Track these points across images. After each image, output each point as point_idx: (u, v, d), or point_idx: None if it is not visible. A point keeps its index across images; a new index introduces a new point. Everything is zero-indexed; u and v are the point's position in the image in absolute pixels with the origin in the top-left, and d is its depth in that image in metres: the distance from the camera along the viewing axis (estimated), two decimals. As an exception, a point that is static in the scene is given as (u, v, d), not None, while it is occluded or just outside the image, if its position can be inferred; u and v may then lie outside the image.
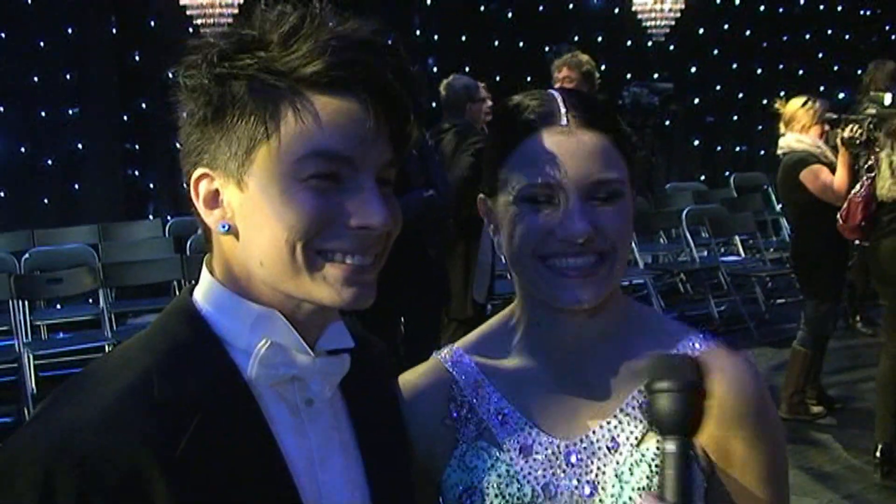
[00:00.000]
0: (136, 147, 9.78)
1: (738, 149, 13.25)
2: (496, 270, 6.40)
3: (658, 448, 1.32)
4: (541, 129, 1.34)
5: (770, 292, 9.25)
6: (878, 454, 5.23)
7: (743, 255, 9.64)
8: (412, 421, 1.42)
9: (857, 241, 5.54)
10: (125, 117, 9.66)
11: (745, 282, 9.08)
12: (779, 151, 6.05)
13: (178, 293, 4.88)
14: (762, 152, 13.24)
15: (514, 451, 1.38)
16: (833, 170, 5.77)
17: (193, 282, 1.24)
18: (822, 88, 12.58)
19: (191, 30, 8.85)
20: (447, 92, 6.26)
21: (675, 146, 12.12)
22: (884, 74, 7.45)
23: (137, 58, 9.55)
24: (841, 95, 6.56)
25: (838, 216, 5.42)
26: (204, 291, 1.21)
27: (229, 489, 1.11)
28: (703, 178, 12.33)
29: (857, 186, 5.35)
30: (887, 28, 13.70)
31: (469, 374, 1.46)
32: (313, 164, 1.11)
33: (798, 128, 5.94)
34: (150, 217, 9.76)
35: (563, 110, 1.34)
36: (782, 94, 6.64)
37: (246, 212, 1.14)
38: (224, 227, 1.16)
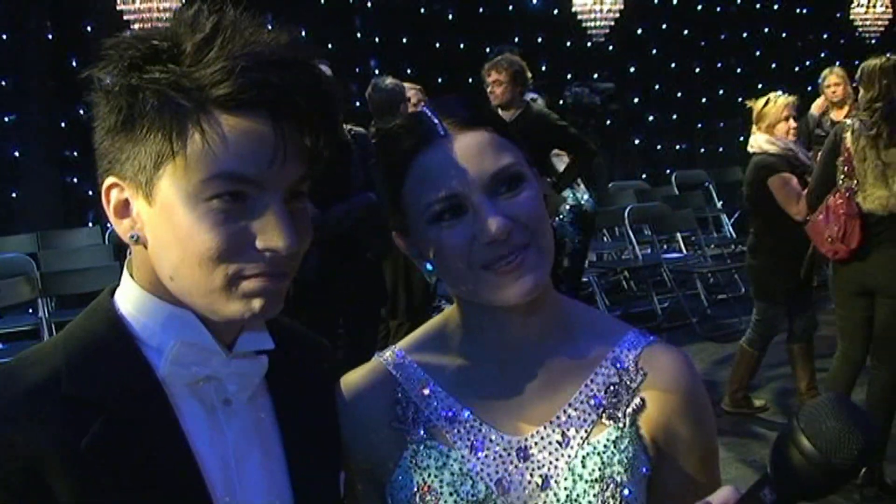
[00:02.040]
0: (75, 153, 9.61)
1: (678, 147, 13.37)
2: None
3: (608, 440, 1.37)
4: (423, 149, 1.33)
5: (711, 288, 9.34)
6: (860, 475, 4.97)
7: (685, 251, 9.72)
8: (356, 423, 1.42)
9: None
10: (63, 124, 9.48)
11: (687, 278, 9.16)
12: (749, 149, 5.92)
13: None
14: (702, 150, 13.40)
15: (465, 449, 1.39)
16: (802, 172, 5.66)
17: (114, 284, 1.24)
18: (759, 86, 12.73)
19: (127, 34, 8.72)
20: (375, 94, 6.19)
21: (616, 145, 12.18)
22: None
23: (74, 63, 9.38)
24: (779, 92, 6.57)
25: (825, 238, 5.06)
26: (123, 292, 1.22)
27: (137, 484, 1.11)
28: (644, 176, 12.41)
29: (837, 202, 5.02)
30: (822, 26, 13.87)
31: (413, 375, 1.45)
32: (219, 185, 1.10)
33: (765, 126, 5.81)
34: (90, 224, 9.58)
35: (436, 122, 1.34)
36: (720, 91, 6.65)
37: (154, 226, 1.14)
38: (133, 237, 1.16)
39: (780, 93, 5.96)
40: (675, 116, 13.28)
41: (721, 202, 11.24)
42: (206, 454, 1.18)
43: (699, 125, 13.44)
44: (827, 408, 0.97)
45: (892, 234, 4.90)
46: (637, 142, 12.98)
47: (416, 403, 1.43)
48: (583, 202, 7.29)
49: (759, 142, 5.85)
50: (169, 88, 1.08)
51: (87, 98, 1.17)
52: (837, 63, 8.42)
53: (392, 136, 1.37)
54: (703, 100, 13.43)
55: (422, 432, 1.41)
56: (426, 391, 1.44)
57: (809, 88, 9.70)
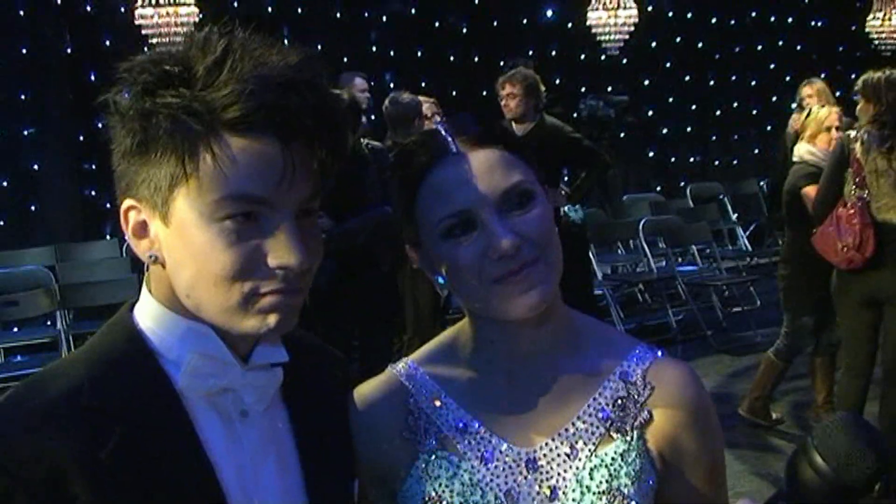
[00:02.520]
0: (93, 167, 9.66)
1: (692, 159, 13.34)
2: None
3: (616, 453, 1.40)
4: (435, 165, 1.37)
5: (726, 301, 9.31)
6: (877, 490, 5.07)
7: (700, 264, 9.69)
8: (369, 433, 1.44)
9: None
10: (81, 137, 9.54)
11: (701, 291, 9.13)
12: (794, 157, 5.90)
13: None
14: (716, 162, 13.36)
15: (475, 459, 1.42)
16: None
17: (134, 299, 1.27)
18: (773, 99, 12.74)
19: (146, 48, 8.77)
20: (392, 108, 6.21)
21: (630, 157, 12.17)
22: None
23: (93, 77, 9.44)
24: (793, 105, 6.58)
25: (838, 248, 5.07)
26: (141, 307, 1.25)
27: (155, 493, 1.14)
28: (658, 188, 12.40)
29: (849, 212, 5.03)
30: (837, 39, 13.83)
31: (425, 386, 1.48)
32: (230, 206, 1.13)
33: (807, 137, 5.79)
34: (108, 237, 9.63)
35: (448, 139, 1.38)
36: (734, 103, 6.65)
37: (170, 246, 1.17)
38: (152, 256, 1.19)
39: (823, 104, 6.05)
40: (689, 129, 13.26)
41: (736, 215, 11.22)
42: (223, 463, 1.21)
43: (713, 137, 13.42)
44: (841, 427, 0.99)
45: None
46: (651, 154, 12.97)
47: (427, 414, 1.46)
48: (570, 214, 7.15)
49: (800, 151, 5.85)
50: (180, 112, 1.11)
51: (105, 117, 1.19)
52: (853, 76, 8.37)
53: (407, 152, 1.41)
54: (718, 112, 13.41)
55: (433, 443, 1.44)
56: (437, 402, 1.46)
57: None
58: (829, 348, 6.06)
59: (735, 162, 13.31)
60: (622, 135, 11.03)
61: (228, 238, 1.13)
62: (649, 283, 9.36)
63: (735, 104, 13.40)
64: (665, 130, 13.04)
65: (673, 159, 13.15)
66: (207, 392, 1.22)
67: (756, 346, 7.82)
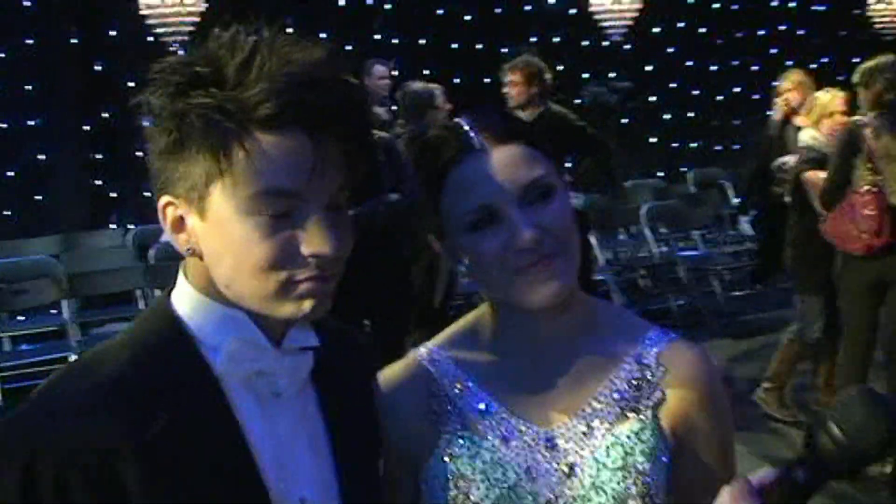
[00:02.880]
0: (100, 156, 9.70)
1: (694, 144, 13.33)
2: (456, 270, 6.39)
3: (631, 431, 1.46)
4: (460, 161, 1.42)
5: (727, 285, 9.33)
6: (888, 470, 5.02)
7: (702, 249, 9.71)
8: (393, 415, 1.50)
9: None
10: (88, 127, 9.58)
11: (703, 276, 9.16)
12: (799, 143, 5.92)
13: (140, 302, 4.93)
14: (718, 147, 13.35)
15: (496, 439, 1.48)
16: None
17: (171, 287, 1.32)
18: (775, 84, 12.73)
19: (151, 38, 8.80)
20: (406, 96, 6.24)
21: (633, 143, 12.17)
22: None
23: (100, 67, 9.47)
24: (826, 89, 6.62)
25: (854, 234, 5.10)
26: (179, 295, 1.30)
27: (197, 473, 1.20)
28: (661, 174, 12.40)
29: (864, 199, 5.04)
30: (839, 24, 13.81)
31: (447, 370, 1.54)
32: (265, 201, 1.17)
33: (812, 121, 5.82)
34: (114, 226, 9.67)
35: (472, 135, 1.43)
36: (736, 88, 6.65)
37: (208, 239, 1.22)
38: (190, 250, 1.25)
39: (827, 89, 5.97)
40: (691, 114, 13.25)
41: (737, 199, 11.23)
42: (260, 444, 1.26)
43: (715, 123, 13.40)
44: (856, 397, 1.05)
45: None
46: (654, 140, 12.96)
47: (450, 397, 1.52)
48: (573, 201, 7.19)
49: (803, 137, 5.89)
50: (213, 112, 1.15)
51: (139, 117, 1.23)
52: (857, 60, 8.33)
53: (431, 146, 1.47)
54: (720, 97, 13.39)
55: (456, 424, 1.50)
56: (459, 385, 1.53)
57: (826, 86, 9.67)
58: (830, 331, 6.02)
59: (737, 147, 13.30)
60: (625, 121, 11.03)
61: (264, 231, 1.18)
62: (651, 269, 9.38)
63: (737, 89, 13.38)
64: (667, 116, 13.03)
65: (675, 145, 13.14)
66: (244, 375, 1.27)
67: (757, 330, 7.87)
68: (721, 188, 11.08)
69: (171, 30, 7.99)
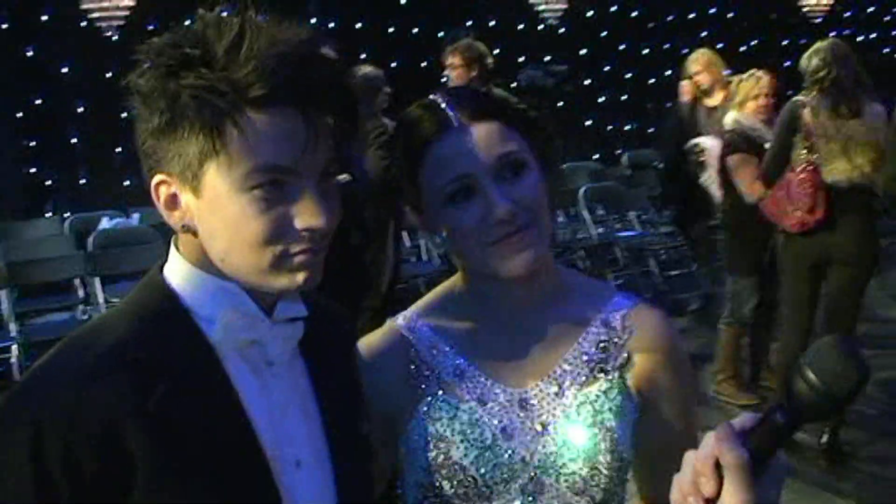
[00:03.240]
0: (33, 143, 9.54)
1: (629, 127, 13.48)
2: (401, 255, 6.43)
3: (600, 390, 1.55)
4: (439, 136, 1.50)
5: (664, 264, 9.47)
6: (823, 440, 5.24)
7: (638, 230, 9.82)
8: (375, 382, 1.56)
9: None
10: (20, 114, 9.40)
11: (640, 256, 9.28)
12: (724, 126, 5.99)
13: (80, 290, 4.86)
14: (651, 129, 13.51)
15: (473, 401, 1.56)
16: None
17: (162, 260, 1.35)
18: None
19: (84, 23, 8.66)
20: (358, 80, 6.22)
21: (569, 126, 12.27)
22: None
23: (32, 52, 9.29)
24: (726, 72, 6.69)
25: (789, 211, 5.20)
26: (172, 268, 1.33)
27: (199, 439, 1.24)
28: (597, 156, 12.52)
29: (799, 176, 5.16)
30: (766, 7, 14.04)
31: (425, 336, 1.61)
32: (259, 176, 1.21)
33: (736, 104, 5.91)
34: (49, 214, 9.53)
35: (451, 113, 1.50)
36: (668, 71, 6.71)
37: (203, 216, 1.25)
38: (185, 226, 1.28)
39: (752, 71, 5.97)
40: (625, 97, 13.39)
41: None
42: (255, 411, 1.30)
43: (649, 105, 13.56)
44: (828, 346, 1.11)
45: (855, 205, 5.08)
46: (589, 123, 13.09)
47: (428, 362, 1.59)
48: None
49: (728, 119, 5.95)
50: (206, 92, 1.18)
51: (128, 99, 1.25)
52: (786, 42, 8.43)
53: (410, 123, 1.54)
54: (652, 80, 13.54)
55: (434, 387, 1.57)
56: (436, 351, 1.60)
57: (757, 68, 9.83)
58: (761, 309, 6.13)
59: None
60: (561, 104, 11.11)
61: (258, 206, 1.22)
62: (589, 250, 9.48)
63: (668, 72, 13.53)
64: (602, 99, 13.17)
65: (610, 127, 13.28)
66: (239, 345, 1.31)
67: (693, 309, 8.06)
68: (656, 169, 11.22)
69: (106, 14, 7.85)
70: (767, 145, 5.63)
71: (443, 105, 1.51)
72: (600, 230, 9.48)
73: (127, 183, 10.06)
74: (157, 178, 1.26)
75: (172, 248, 1.34)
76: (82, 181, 9.96)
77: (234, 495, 1.26)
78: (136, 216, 8.58)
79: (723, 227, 6.28)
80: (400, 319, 1.66)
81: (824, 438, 5.23)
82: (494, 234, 1.48)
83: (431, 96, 1.55)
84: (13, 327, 6.92)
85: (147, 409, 1.20)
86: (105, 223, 8.18)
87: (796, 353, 5.18)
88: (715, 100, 7.19)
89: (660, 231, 9.76)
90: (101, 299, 7.20)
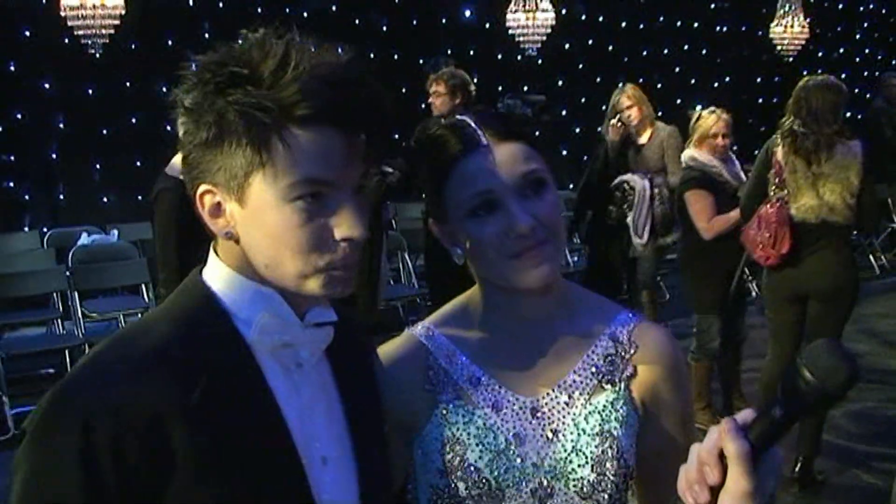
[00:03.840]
0: (11, 158, 9.51)
1: (603, 157, 13.57)
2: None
3: (607, 401, 1.63)
4: (466, 153, 1.57)
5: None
6: (796, 469, 5.30)
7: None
8: (392, 387, 1.62)
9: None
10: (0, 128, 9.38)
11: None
12: (680, 162, 6.06)
13: (59, 305, 4.90)
14: (625, 160, 13.65)
15: (487, 407, 1.63)
16: (725, 189, 5.85)
17: (203, 265, 1.42)
18: (678, 101, 13.09)
19: (67, 39, 8.66)
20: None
21: (545, 155, 12.35)
22: None
23: (12, 67, 9.29)
24: (698, 107, 6.76)
25: (757, 244, 5.28)
26: (212, 273, 1.40)
27: (234, 433, 1.30)
28: (571, 186, 12.61)
29: (768, 211, 5.25)
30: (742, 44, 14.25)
31: (441, 345, 1.69)
32: (302, 188, 1.28)
33: (694, 140, 5.99)
34: (27, 229, 9.49)
35: (479, 132, 1.58)
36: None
37: (247, 225, 1.33)
38: (228, 234, 1.35)
39: (712, 109, 6.07)
40: (600, 128, 13.47)
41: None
42: (287, 409, 1.37)
43: (622, 137, 13.68)
44: (823, 347, 1.21)
45: (824, 240, 5.16)
46: (564, 152, 13.20)
47: (444, 369, 1.66)
48: None
49: (685, 156, 6.02)
50: (253, 109, 1.26)
51: (174, 113, 1.32)
52: (759, 79, 8.51)
53: (438, 140, 1.61)
54: (627, 113, 13.66)
55: (450, 394, 1.64)
56: (453, 359, 1.67)
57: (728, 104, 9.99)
58: (733, 344, 6.20)
59: (643, 161, 13.60)
60: (537, 133, 11.18)
61: (301, 216, 1.29)
62: (568, 277, 9.49)
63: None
64: (577, 129, 13.29)
65: (585, 157, 13.38)
66: (272, 347, 1.37)
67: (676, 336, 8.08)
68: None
69: (91, 31, 7.86)
70: (725, 181, 5.78)
71: (471, 124, 1.59)
72: (575, 259, 9.57)
73: (105, 199, 10.08)
74: (203, 188, 1.33)
75: (212, 253, 1.41)
76: (60, 197, 9.95)
77: (267, 490, 1.32)
78: (114, 232, 8.60)
79: (682, 265, 6.31)
80: (418, 328, 1.73)
81: (798, 467, 5.31)
82: (514, 248, 1.56)
83: (459, 116, 1.63)
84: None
85: (189, 405, 1.27)
86: (84, 239, 8.19)
87: (775, 383, 5.33)
88: (643, 137, 7.22)
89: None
90: (79, 314, 7.19)
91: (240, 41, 1.31)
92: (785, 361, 5.36)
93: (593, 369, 1.66)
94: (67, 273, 7.35)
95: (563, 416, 1.63)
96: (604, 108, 13.14)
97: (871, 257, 11.11)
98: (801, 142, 5.08)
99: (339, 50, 1.35)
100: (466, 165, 1.56)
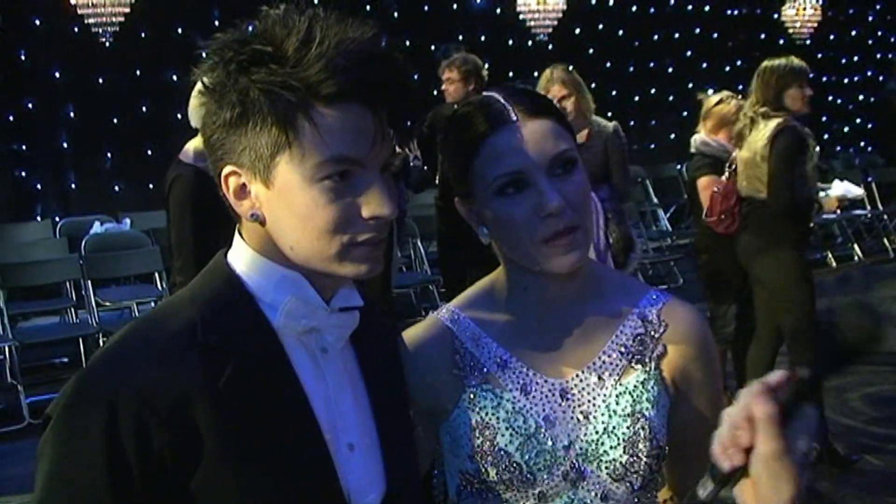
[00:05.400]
0: (23, 147, 9.51)
1: (613, 144, 13.53)
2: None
3: (637, 381, 1.59)
4: (495, 130, 1.53)
5: (650, 279, 9.54)
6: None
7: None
8: (419, 372, 1.61)
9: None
10: (10, 117, 9.38)
11: (627, 270, 9.31)
12: (691, 149, 5.92)
13: (73, 294, 4.90)
14: (635, 146, 13.60)
15: (516, 391, 1.60)
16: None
17: (227, 247, 1.39)
18: (690, 85, 13.04)
19: (77, 28, 8.66)
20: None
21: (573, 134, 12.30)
22: None
23: (23, 56, 9.28)
24: (710, 91, 6.66)
25: (704, 213, 5.50)
26: (237, 255, 1.37)
27: (261, 418, 1.28)
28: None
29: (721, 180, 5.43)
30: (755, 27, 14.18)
31: (467, 328, 1.65)
32: (330, 167, 1.25)
33: (710, 126, 5.84)
34: (38, 218, 9.50)
35: (509, 108, 1.53)
36: (652, 90, 6.71)
37: (273, 206, 1.29)
38: (254, 216, 1.31)
39: (729, 94, 5.92)
40: (609, 114, 13.41)
41: (656, 197, 11.47)
42: (313, 394, 1.35)
43: (632, 123, 13.64)
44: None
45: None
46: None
47: (471, 353, 1.63)
48: None
49: (696, 142, 5.87)
50: (278, 88, 1.22)
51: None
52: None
53: (467, 117, 1.57)
54: (637, 98, 13.66)
55: (478, 377, 1.61)
56: (479, 342, 1.64)
57: (740, 87, 9.94)
58: (745, 331, 5.94)
59: (653, 146, 13.59)
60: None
61: (328, 196, 1.26)
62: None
63: (653, 90, 13.66)
64: (588, 115, 13.23)
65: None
66: (298, 331, 1.35)
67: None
68: (642, 185, 11.32)
69: (102, 20, 7.85)
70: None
71: (501, 100, 1.55)
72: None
73: (116, 188, 10.08)
74: (227, 169, 1.30)
75: (237, 235, 1.38)
76: (71, 186, 9.95)
77: (295, 476, 1.30)
78: (126, 221, 8.61)
79: (698, 251, 6.17)
80: (443, 312, 1.69)
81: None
82: (545, 231, 1.52)
83: (487, 93, 1.59)
84: (5, 329, 6.91)
85: (216, 389, 1.24)
86: (97, 227, 8.20)
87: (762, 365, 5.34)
88: (579, 137, 6.31)
89: (647, 246, 9.82)
90: (93, 303, 7.20)
91: (260, 18, 1.27)
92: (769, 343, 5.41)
93: (622, 349, 1.62)
94: (80, 262, 7.35)
95: (594, 398, 1.59)
96: (614, 93, 13.33)
97: (885, 240, 11.03)
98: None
99: (361, 25, 1.29)
100: (496, 143, 1.52)
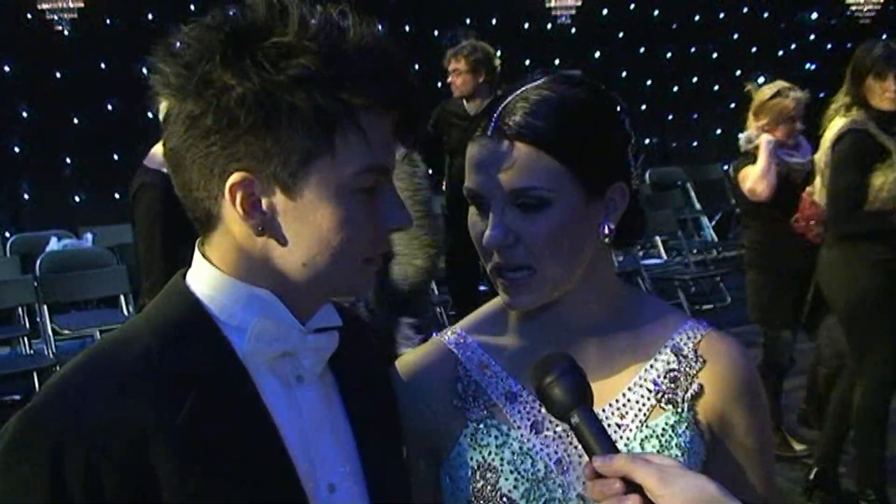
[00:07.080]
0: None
1: (648, 141, 13.53)
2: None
3: (667, 424, 1.56)
4: (474, 138, 1.55)
5: (693, 297, 9.49)
6: (811, 477, 5.33)
7: (664, 257, 9.85)
8: (417, 401, 1.61)
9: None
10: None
11: (667, 286, 9.31)
12: (741, 146, 5.81)
13: (26, 321, 4.95)
14: (674, 144, 13.59)
15: (525, 428, 1.58)
16: (790, 177, 5.66)
17: (185, 269, 1.41)
18: (737, 73, 13.01)
19: (30, 15, 8.68)
20: None
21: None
22: None
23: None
24: (761, 80, 6.59)
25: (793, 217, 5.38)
26: (197, 275, 1.39)
27: (226, 458, 1.28)
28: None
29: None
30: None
31: (474, 354, 1.65)
32: (366, 178, 1.32)
33: (763, 123, 5.71)
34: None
35: (493, 119, 1.53)
36: (693, 79, 6.66)
37: (296, 218, 1.31)
38: (261, 229, 1.32)
39: (789, 87, 5.77)
40: (643, 107, 13.46)
41: (699, 203, 11.42)
42: (285, 429, 1.35)
43: (671, 117, 13.64)
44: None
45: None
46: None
47: (476, 381, 1.62)
48: None
49: (742, 139, 5.79)
50: (314, 93, 1.26)
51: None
52: (830, 46, 8.38)
53: (473, 116, 1.60)
54: (675, 88, 13.63)
55: (482, 410, 1.60)
56: (486, 370, 1.63)
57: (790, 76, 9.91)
58: (832, 360, 5.76)
59: (696, 144, 13.56)
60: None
61: (359, 209, 1.32)
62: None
63: (695, 79, 13.63)
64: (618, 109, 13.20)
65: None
66: (269, 357, 1.36)
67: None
68: (682, 189, 11.28)
69: (57, 5, 7.88)
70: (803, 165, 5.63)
71: (500, 105, 1.54)
72: (621, 258, 9.50)
73: (77, 199, 10.08)
74: (236, 176, 1.29)
75: (197, 253, 1.39)
76: (24, 196, 9.96)
77: None
78: (88, 237, 8.59)
79: (747, 266, 6.05)
80: (448, 334, 1.69)
81: (812, 475, 5.38)
82: (488, 259, 1.55)
83: (512, 87, 1.57)
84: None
85: (175, 426, 1.25)
86: (54, 244, 8.17)
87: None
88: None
89: (689, 259, 9.78)
90: (49, 331, 7.18)
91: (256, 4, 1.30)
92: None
93: (651, 386, 1.60)
94: (35, 284, 7.37)
95: (615, 441, 1.53)
96: (648, 83, 13.31)
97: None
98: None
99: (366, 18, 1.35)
100: (470, 151, 1.56)
